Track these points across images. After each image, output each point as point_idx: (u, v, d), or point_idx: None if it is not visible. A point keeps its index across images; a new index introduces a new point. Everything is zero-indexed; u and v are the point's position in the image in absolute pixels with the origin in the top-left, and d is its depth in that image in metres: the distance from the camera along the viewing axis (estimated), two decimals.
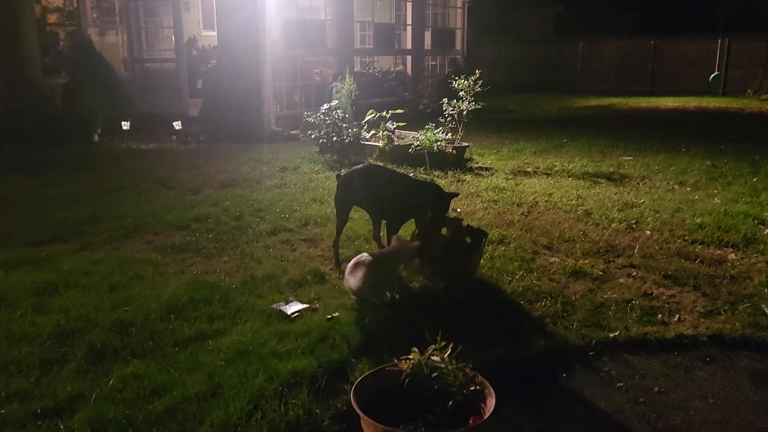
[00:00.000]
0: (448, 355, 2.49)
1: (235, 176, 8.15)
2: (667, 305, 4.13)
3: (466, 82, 9.18)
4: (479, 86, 9.17)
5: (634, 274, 4.69)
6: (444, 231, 4.71)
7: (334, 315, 3.84)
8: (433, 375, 2.45)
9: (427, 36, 17.72)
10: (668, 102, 18.85)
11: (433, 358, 2.51)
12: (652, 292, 4.33)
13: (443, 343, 2.54)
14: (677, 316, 3.96)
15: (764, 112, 15.89)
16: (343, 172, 5.15)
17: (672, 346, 3.60)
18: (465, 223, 4.82)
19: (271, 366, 3.23)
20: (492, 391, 2.43)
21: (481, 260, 4.74)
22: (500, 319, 3.85)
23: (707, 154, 9.62)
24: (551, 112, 17.11)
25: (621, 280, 4.56)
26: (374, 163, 8.79)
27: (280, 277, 4.55)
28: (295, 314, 3.88)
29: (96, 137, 10.82)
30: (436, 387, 2.44)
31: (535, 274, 4.65)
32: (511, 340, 3.59)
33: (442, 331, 3.59)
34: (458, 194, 5.67)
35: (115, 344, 3.49)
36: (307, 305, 4.02)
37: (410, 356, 2.58)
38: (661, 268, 4.75)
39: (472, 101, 9.19)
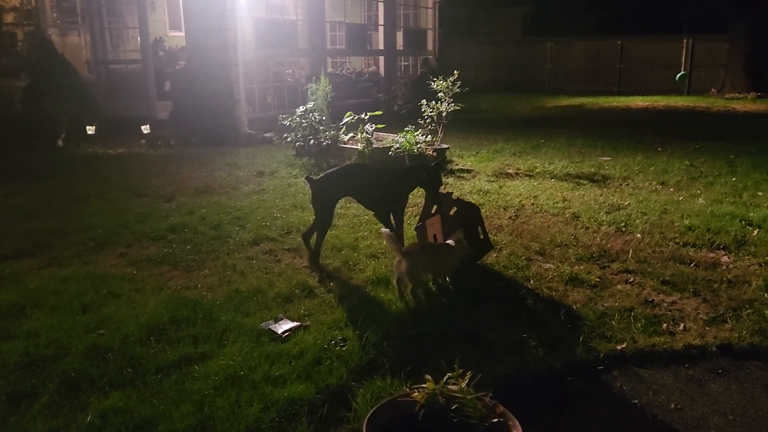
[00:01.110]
0: (467, 384, 2.29)
1: (210, 182, 7.84)
2: (669, 313, 4.02)
3: (444, 82, 9.01)
4: (458, 87, 9.01)
5: (632, 280, 4.57)
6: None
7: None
8: (452, 406, 2.25)
9: (399, 36, 17.53)
10: (638, 101, 19.04)
11: (450, 386, 2.30)
12: (653, 299, 4.21)
13: (460, 371, 2.34)
14: (682, 324, 3.84)
15: (730, 111, 16.14)
16: (314, 176, 5.14)
17: (681, 357, 3.47)
18: (455, 196, 5.12)
19: (265, 393, 2.99)
20: (517, 423, 2.24)
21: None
22: (503, 333, 3.68)
23: (684, 154, 9.66)
24: (524, 112, 17.12)
25: (619, 287, 4.43)
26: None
27: (266, 292, 4.30)
28: (286, 333, 3.64)
29: (60, 142, 10.35)
30: (454, 419, 2.24)
31: (531, 282, 4.50)
32: (517, 357, 3.42)
33: (443, 348, 3.43)
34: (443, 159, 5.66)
35: (91, 373, 3.20)
36: (298, 323, 3.78)
37: (423, 385, 2.37)
38: (658, 273, 4.64)
39: (451, 102, 9.03)
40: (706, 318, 3.93)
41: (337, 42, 16.95)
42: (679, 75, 19.29)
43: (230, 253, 5.18)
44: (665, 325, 3.82)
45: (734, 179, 7.75)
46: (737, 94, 19.79)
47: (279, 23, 13.49)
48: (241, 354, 3.38)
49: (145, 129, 11.09)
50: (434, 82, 9.11)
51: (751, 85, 19.74)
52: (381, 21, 16.78)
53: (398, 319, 3.83)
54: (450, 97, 9.01)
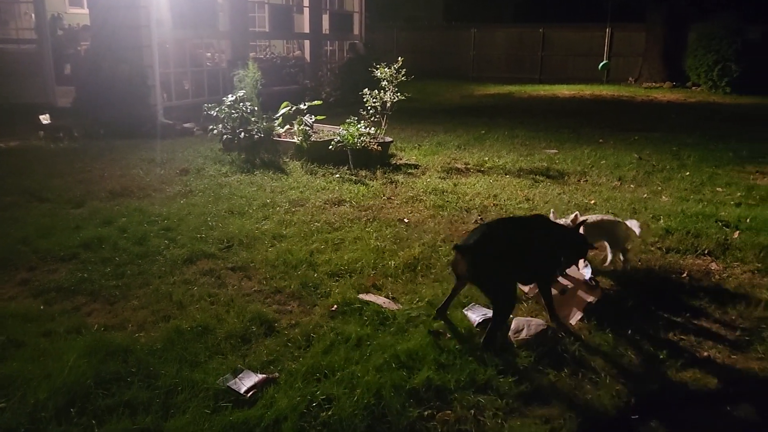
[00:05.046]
0: None
1: (127, 182, 6.78)
2: (684, 338, 3.57)
3: (389, 70, 8.32)
4: (403, 75, 8.35)
5: (629, 295, 4.12)
6: None
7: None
8: None
9: (325, 19, 16.61)
10: (563, 90, 19.16)
11: None
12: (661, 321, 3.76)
13: None
14: (705, 353, 3.40)
15: (654, 101, 16.48)
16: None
17: (721, 397, 3.01)
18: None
19: None
20: None
21: None
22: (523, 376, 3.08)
23: (627, 146, 9.52)
24: (454, 100, 16.75)
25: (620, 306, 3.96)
26: (291, 162, 7.76)
27: (215, 330, 3.49)
28: (252, 392, 2.87)
29: None
30: None
31: (527, 304, 3.95)
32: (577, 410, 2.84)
33: (453, 407, 2.79)
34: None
35: None
36: (264, 375, 3.01)
37: None
38: (654, 286, 4.22)
39: (396, 92, 8.36)
40: (728, 343, 3.52)
41: (257, 24, 15.81)
42: (602, 64, 19.56)
43: (162, 276, 4.29)
44: (687, 354, 3.37)
45: (688, 173, 7.59)
46: (654, 84, 20.37)
47: (197, 1, 12.25)
48: (196, 430, 2.59)
49: (44, 119, 9.69)
50: (378, 69, 8.38)
51: (667, 74, 20.36)
52: (306, 2, 15.81)
53: (386, 363, 3.15)
54: (394, 86, 8.34)
